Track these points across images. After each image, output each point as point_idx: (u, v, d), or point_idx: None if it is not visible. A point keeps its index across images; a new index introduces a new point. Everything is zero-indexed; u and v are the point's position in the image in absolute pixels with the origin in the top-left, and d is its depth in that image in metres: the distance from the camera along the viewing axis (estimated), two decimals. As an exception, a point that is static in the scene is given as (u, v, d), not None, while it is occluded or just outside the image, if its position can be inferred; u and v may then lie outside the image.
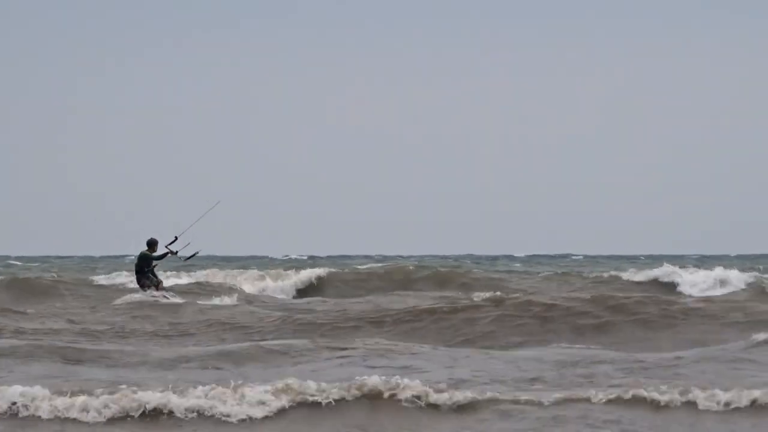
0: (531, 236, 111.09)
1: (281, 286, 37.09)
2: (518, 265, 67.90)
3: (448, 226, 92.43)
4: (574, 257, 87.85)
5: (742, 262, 69.10)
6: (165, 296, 27.03)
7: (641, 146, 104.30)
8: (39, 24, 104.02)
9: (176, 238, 27.46)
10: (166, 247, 27.46)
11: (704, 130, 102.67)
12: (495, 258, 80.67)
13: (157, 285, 27.44)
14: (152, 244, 27.42)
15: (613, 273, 40.59)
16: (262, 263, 60.52)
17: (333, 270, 40.36)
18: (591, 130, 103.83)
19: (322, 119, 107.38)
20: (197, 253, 27.60)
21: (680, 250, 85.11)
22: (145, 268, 27.37)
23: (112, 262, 62.37)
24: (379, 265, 49.82)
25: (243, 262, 61.54)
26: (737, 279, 36.89)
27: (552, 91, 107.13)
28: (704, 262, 64.30)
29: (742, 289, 31.88)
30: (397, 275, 39.03)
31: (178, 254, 27.48)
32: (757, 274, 39.73)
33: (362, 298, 29.37)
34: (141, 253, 27.49)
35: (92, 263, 68.26)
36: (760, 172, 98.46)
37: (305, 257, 78.49)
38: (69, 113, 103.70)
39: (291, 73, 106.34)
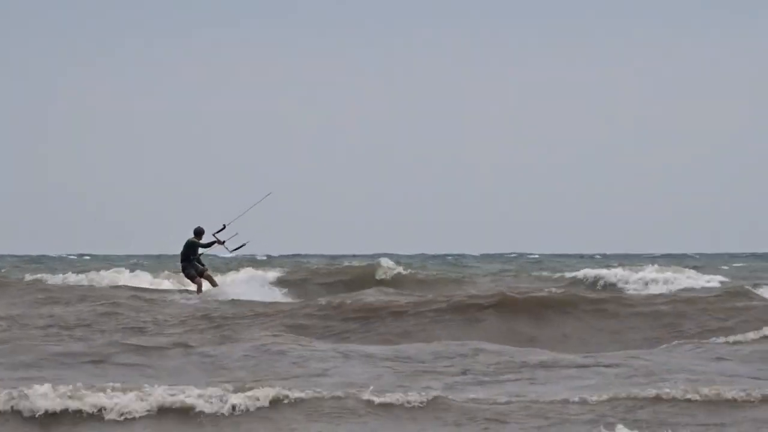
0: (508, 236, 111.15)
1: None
2: (473, 263, 67.13)
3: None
4: (529, 256, 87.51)
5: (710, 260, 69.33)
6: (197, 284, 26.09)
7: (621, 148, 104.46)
8: (38, 23, 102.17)
9: (224, 227, 26.27)
10: (213, 235, 26.23)
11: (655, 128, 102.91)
12: (448, 256, 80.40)
13: (202, 273, 26.31)
14: (199, 232, 26.36)
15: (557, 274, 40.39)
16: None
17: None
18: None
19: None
20: (245, 244, 26.36)
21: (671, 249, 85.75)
22: (191, 256, 26.25)
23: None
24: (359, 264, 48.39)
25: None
26: (666, 279, 36.00)
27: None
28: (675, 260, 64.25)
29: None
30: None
31: (225, 244, 26.08)
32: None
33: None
34: (188, 241, 26.39)
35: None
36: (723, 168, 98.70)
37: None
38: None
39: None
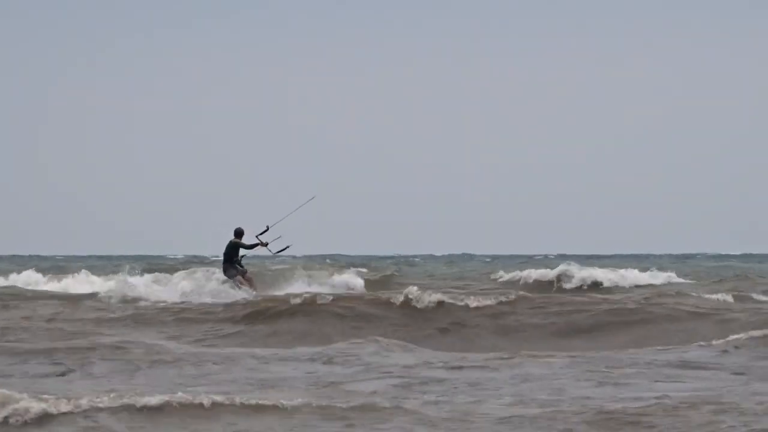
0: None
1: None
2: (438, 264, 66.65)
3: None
4: (478, 257, 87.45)
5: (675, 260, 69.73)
6: (243, 287, 25.14)
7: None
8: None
9: (268, 228, 25.41)
10: (256, 237, 25.30)
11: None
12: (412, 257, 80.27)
13: (243, 274, 25.44)
14: (239, 233, 25.51)
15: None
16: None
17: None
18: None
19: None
20: (288, 247, 25.40)
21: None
22: (234, 257, 25.36)
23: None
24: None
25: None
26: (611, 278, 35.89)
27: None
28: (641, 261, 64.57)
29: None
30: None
31: (269, 246, 25.04)
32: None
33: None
34: (230, 242, 25.47)
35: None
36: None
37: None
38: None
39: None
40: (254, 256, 26.76)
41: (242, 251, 25.31)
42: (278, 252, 25.41)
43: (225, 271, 25.46)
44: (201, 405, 10.17)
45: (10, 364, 13.84)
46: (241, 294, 24.21)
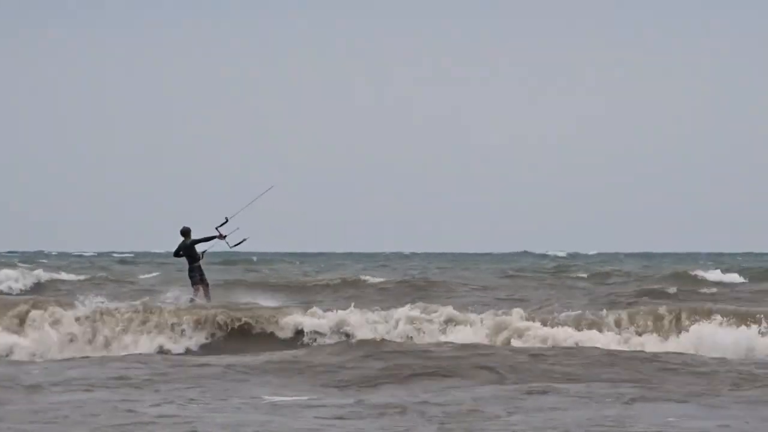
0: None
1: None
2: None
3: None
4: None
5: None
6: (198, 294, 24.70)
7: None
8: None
9: (227, 220, 24.51)
10: (216, 228, 24.45)
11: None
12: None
13: (199, 282, 24.73)
14: (186, 232, 24.59)
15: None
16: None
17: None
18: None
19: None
20: (245, 240, 24.66)
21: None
22: (195, 257, 24.49)
23: None
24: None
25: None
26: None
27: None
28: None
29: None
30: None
31: (227, 239, 24.44)
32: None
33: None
34: (182, 243, 24.56)
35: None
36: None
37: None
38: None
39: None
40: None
41: (200, 247, 24.58)
42: (235, 245, 24.77)
43: (189, 273, 24.65)
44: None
45: None
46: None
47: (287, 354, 17.67)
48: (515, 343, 19.68)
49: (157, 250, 70.54)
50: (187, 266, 24.72)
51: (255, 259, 69.64)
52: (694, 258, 74.75)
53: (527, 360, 15.65)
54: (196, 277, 24.58)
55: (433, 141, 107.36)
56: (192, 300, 24.38)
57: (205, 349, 21.26)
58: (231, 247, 24.73)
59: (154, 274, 42.80)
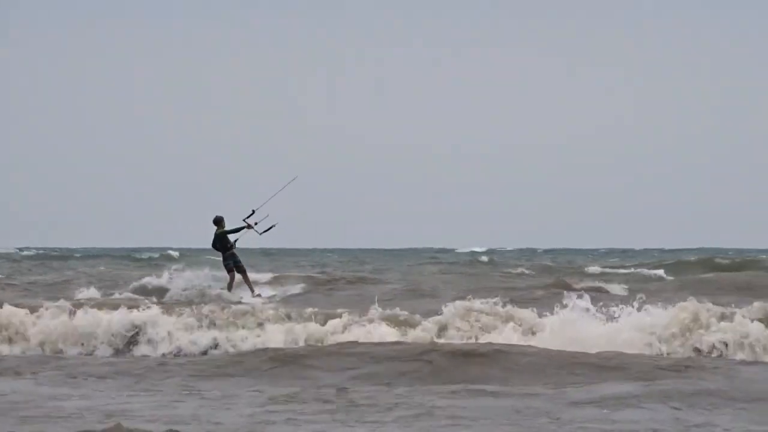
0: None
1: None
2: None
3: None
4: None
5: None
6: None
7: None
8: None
9: (253, 212, 25.46)
10: (243, 221, 25.33)
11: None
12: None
13: (232, 268, 25.64)
14: (219, 221, 25.56)
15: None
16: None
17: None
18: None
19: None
20: (274, 226, 25.52)
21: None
22: (226, 246, 25.51)
23: None
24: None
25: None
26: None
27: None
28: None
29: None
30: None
31: (255, 227, 25.35)
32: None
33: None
34: (215, 233, 25.52)
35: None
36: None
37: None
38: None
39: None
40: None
41: (231, 237, 25.51)
42: (265, 231, 25.62)
43: (223, 261, 25.59)
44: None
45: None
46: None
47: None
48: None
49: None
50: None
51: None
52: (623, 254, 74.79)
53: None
54: (230, 263, 25.45)
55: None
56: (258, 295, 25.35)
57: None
58: (260, 234, 25.60)
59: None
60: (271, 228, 25.52)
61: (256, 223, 25.33)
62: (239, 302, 22.91)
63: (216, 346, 17.63)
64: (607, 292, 25.87)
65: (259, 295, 25.35)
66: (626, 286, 27.58)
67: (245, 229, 25.38)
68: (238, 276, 25.54)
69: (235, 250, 25.51)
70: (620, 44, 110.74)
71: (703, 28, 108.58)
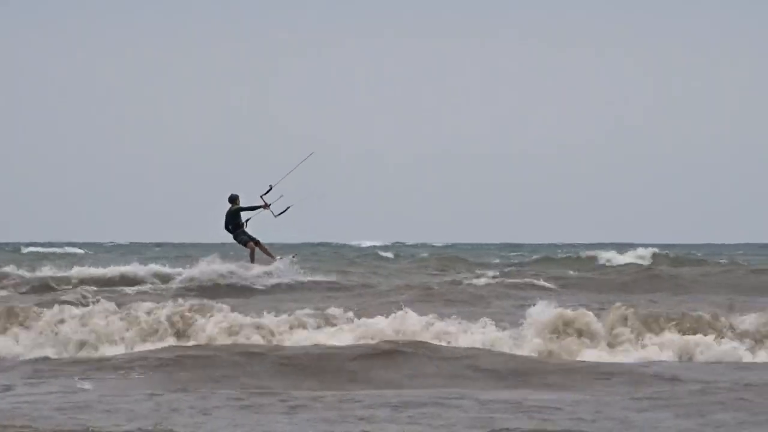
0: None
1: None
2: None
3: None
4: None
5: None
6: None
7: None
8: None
9: (271, 188, 24.78)
10: (261, 197, 24.68)
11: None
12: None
13: (249, 242, 25.11)
14: (234, 199, 24.96)
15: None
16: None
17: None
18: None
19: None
20: (289, 208, 24.76)
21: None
22: (239, 223, 24.94)
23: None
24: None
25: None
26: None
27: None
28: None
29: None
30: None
31: (271, 208, 24.59)
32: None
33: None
34: (228, 210, 24.97)
35: None
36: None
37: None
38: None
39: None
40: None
41: (245, 215, 24.82)
42: (280, 214, 24.87)
43: (235, 238, 24.96)
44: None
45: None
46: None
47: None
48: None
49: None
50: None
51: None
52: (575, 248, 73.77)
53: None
54: (244, 238, 24.88)
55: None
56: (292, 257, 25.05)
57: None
58: (275, 216, 24.84)
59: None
60: (286, 210, 24.83)
61: (269, 204, 24.60)
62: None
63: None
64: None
65: (281, 258, 24.92)
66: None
67: (261, 209, 24.65)
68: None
69: (246, 229, 24.75)
70: (620, 44, 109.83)
71: (704, 28, 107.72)
